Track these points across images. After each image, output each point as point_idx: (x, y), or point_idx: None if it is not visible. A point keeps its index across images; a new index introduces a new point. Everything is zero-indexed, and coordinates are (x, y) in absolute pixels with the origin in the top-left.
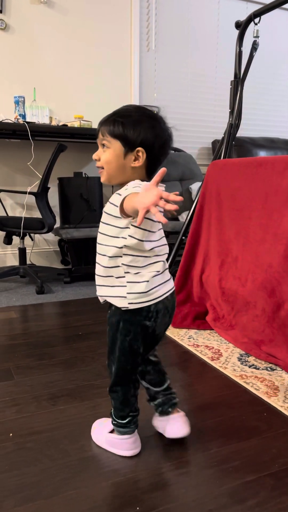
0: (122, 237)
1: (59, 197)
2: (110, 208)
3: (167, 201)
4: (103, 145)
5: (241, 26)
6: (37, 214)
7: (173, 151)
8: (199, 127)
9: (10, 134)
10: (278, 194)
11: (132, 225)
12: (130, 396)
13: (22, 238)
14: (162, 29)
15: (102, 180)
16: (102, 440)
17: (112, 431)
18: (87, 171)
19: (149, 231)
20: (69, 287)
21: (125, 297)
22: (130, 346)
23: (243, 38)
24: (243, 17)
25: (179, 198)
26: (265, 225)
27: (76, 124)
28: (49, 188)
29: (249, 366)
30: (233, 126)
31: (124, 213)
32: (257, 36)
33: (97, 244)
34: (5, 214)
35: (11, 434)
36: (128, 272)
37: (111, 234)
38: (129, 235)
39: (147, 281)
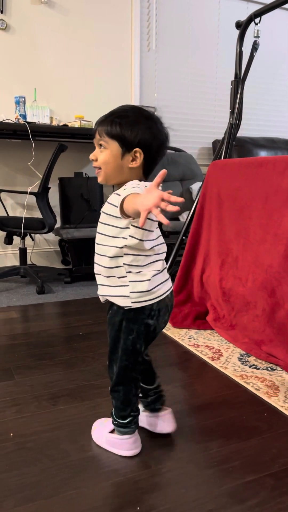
0: (123, 237)
1: (60, 197)
2: (109, 208)
3: (168, 202)
4: (101, 145)
5: (242, 26)
6: (37, 214)
7: (174, 151)
8: (199, 127)
9: (11, 134)
10: (278, 194)
11: (132, 225)
12: (131, 395)
13: (23, 238)
14: (163, 29)
15: (99, 180)
16: (102, 440)
17: (112, 431)
18: (88, 171)
19: (149, 230)
20: (69, 287)
21: (128, 296)
22: (133, 345)
23: (244, 38)
24: (243, 17)
25: (180, 199)
26: (265, 225)
27: (77, 124)
28: (49, 188)
29: (250, 366)
30: (234, 126)
31: (124, 214)
32: (257, 36)
33: (96, 245)
34: (5, 214)
35: (11, 434)
36: (130, 272)
37: (111, 234)
38: (129, 235)
39: (149, 279)
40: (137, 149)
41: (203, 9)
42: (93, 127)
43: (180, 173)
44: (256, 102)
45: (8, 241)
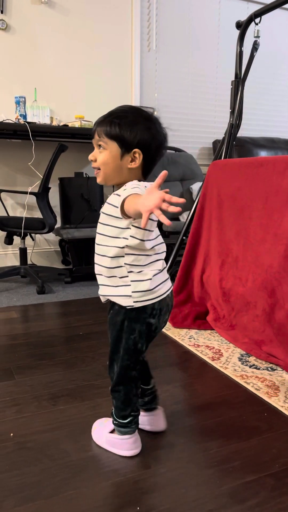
0: (124, 238)
1: (60, 197)
2: (109, 208)
3: (169, 203)
4: (100, 146)
5: (242, 26)
6: (38, 214)
7: (174, 151)
8: (199, 127)
9: (11, 134)
10: (278, 194)
11: (133, 225)
12: (132, 395)
13: (23, 238)
14: (163, 29)
15: (98, 181)
16: (102, 440)
17: (112, 431)
18: (88, 171)
19: (149, 230)
20: (69, 287)
21: (130, 296)
22: (135, 345)
23: (244, 38)
24: (243, 17)
25: (182, 200)
26: (265, 225)
27: (77, 124)
28: (50, 188)
29: (250, 366)
30: (234, 126)
31: (125, 214)
32: (257, 36)
33: (96, 245)
34: (6, 214)
35: (11, 434)
36: (132, 271)
37: (111, 235)
38: (130, 236)
39: (150, 279)
40: (136, 149)
41: (204, 9)
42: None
43: (180, 173)
44: (256, 102)
45: (9, 241)
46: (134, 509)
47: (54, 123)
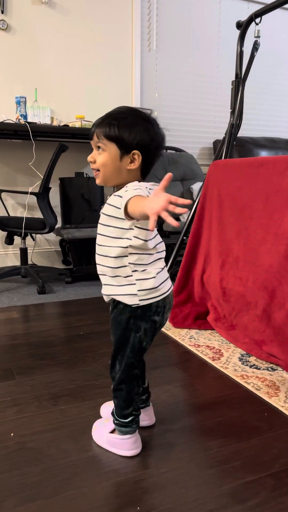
0: (127, 238)
1: (61, 197)
2: (110, 209)
3: (176, 205)
4: (99, 147)
5: (242, 26)
6: (38, 214)
7: (174, 151)
8: (200, 127)
9: (12, 134)
10: (279, 194)
11: (136, 226)
12: (133, 394)
13: (24, 238)
14: (163, 29)
15: (97, 182)
16: (103, 440)
17: (113, 431)
18: (88, 171)
19: (151, 230)
20: (70, 287)
21: (136, 294)
22: (140, 343)
23: (244, 38)
24: (244, 17)
25: (188, 201)
26: (266, 225)
27: (78, 124)
28: (50, 188)
29: (250, 366)
30: (234, 126)
31: (128, 216)
32: (258, 36)
33: (97, 246)
34: (6, 214)
35: (12, 434)
36: (136, 270)
37: (113, 235)
38: (134, 236)
39: (154, 277)
40: (135, 151)
41: (204, 9)
42: None
43: (181, 173)
44: (257, 102)
45: (9, 241)
46: (134, 509)
47: (55, 123)
